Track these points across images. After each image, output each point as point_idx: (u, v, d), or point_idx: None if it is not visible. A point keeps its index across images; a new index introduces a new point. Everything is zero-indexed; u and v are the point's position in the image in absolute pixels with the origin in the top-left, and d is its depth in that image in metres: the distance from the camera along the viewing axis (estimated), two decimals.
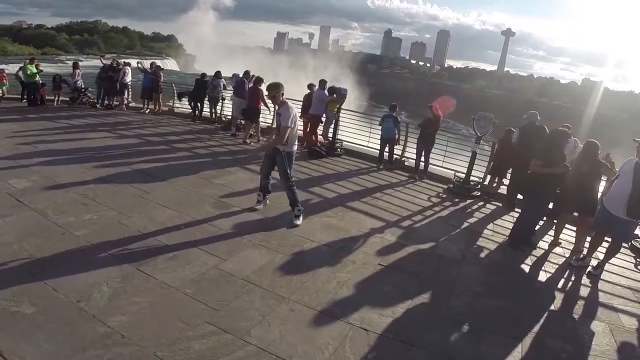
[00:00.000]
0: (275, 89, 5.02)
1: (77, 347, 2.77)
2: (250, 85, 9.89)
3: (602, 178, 5.48)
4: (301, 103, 9.94)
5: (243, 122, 10.67)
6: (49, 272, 3.59)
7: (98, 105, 12.58)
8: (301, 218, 5.28)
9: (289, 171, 5.16)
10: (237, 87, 10.33)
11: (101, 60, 13.46)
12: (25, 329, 2.90)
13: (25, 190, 5.33)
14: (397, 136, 8.91)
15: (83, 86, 12.80)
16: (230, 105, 11.31)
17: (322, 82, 9.67)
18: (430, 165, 8.53)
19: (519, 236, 5.46)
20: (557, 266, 5.10)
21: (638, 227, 5.12)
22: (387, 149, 8.94)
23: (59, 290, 3.36)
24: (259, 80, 9.55)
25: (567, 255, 5.40)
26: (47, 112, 10.96)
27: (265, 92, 7.88)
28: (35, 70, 11.85)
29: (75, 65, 13.09)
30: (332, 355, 3.04)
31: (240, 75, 10.56)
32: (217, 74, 11.87)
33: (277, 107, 5.17)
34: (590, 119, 54.80)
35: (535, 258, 5.25)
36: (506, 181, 7.62)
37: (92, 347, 2.79)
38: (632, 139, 4.65)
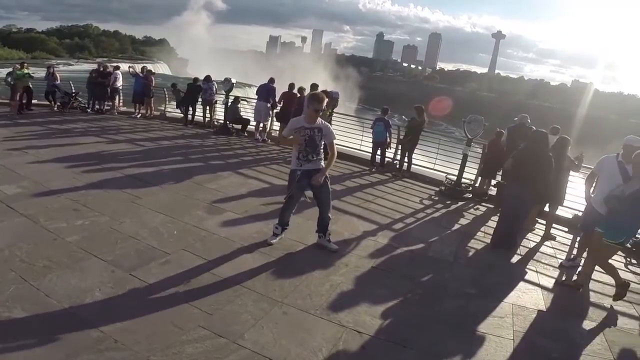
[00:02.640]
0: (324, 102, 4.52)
1: (69, 353, 2.75)
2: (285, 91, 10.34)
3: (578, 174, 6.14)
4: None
5: (236, 126, 10.94)
6: (40, 277, 3.57)
7: (89, 110, 12.50)
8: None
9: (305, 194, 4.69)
10: (267, 93, 10.66)
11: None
12: (17, 334, 2.87)
13: (15, 196, 5.29)
14: (388, 140, 8.96)
15: (73, 91, 12.73)
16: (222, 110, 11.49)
17: (314, 86, 9.71)
18: (422, 168, 8.61)
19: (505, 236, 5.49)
20: (548, 266, 5.15)
21: None
22: (379, 152, 9.00)
23: (51, 295, 3.34)
24: (293, 86, 10.09)
25: (557, 256, 5.46)
26: (37, 117, 10.88)
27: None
28: (25, 73, 11.59)
29: (49, 68, 12.76)
30: (325, 357, 3.04)
31: (266, 82, 10.92)
32: (207, 78, 11.93)
33: (310, 125, 4.46)
34: (581, 120, 55.28)
35: (527, 258, 5.32)
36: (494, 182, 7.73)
37: (85, 353, 2.77)
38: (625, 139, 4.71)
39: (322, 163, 4.59)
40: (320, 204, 4.67)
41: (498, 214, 5.97)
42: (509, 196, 5.52)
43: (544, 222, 6.25)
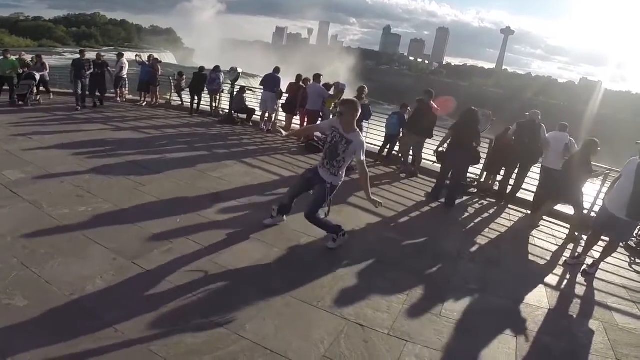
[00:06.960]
0: (357, 110, 4.17)
1: (70, 341, 2.74)
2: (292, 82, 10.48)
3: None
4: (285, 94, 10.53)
5: (241, 115, 10.94)
6: (42, 264, 3.56)
7: (78, 108, 10.69)
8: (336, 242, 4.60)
9: (324, 205, 4.41)
10: (273, 83, 10.61)
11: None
12: (17, 321, 2.86)
13: (19, 181, 5.28)
14: (400, 134, 8.86)
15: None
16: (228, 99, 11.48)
17: (317, 76, 9.64)
18: (426, 162, 8.55)
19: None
20: (553, 264, 5.11)
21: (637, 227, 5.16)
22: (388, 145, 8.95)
23: (53, 283, 3.33)
24: (301, 77, 10.26)
25: (563, 254, 5.42)
26: (43, 105, 10.86)
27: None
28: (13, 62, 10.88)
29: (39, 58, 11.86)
30: (327, 350, 3.02)
31: (271, 72, 10.86)
32: (216, 68, 11.93)
33: (344, 132, 4.16)
34: (589, 118, 54.84)
35: (532, 255, 5.28)
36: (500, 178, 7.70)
37: (85, 342, 2.76)
38: (635, 142, 4.65)
39: (331, 177, 4.30)
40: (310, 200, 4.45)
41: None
42: (449, 159, 6.73)
43: (551, 219, 6.21)
